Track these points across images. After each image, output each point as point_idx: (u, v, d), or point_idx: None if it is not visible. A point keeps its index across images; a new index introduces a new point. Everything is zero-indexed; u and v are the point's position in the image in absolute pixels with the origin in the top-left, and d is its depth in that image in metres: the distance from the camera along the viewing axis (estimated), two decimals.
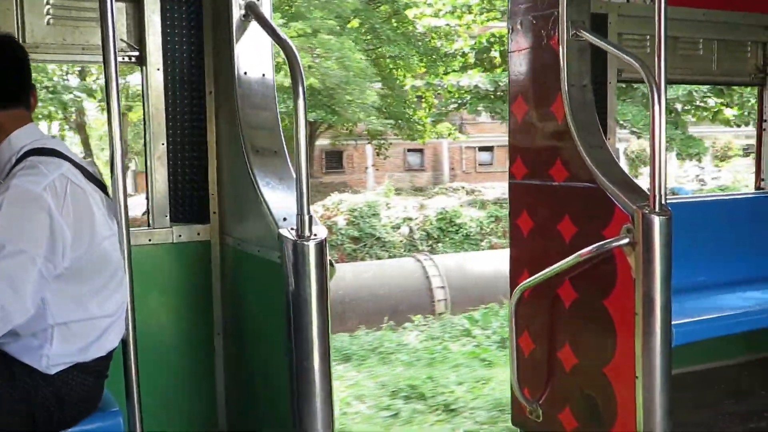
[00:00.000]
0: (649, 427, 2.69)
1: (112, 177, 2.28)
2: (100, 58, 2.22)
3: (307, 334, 2.30)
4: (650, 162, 2.66)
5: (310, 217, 2.31)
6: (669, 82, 2.94)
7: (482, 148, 28.32)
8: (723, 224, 3.90)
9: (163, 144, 2.96)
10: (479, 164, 28.46)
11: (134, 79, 14.52)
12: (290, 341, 2.32)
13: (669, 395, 2.69)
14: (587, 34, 2.98)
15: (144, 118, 2.97)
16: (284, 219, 2.43)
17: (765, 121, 4.24)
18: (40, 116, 15.36)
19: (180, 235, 3.01)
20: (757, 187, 4.33)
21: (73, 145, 19.01)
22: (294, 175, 2.31)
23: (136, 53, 2.89)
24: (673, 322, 2.74)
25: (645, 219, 2.68)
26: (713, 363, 3.97)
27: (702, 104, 14.21)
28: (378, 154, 22.77)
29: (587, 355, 3.01)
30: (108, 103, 2.20)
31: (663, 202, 2.68)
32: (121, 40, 2.85)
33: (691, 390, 3.64)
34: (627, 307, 2.75)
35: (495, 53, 15.97)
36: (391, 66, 18.12)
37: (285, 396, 2.35)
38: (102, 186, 2.33)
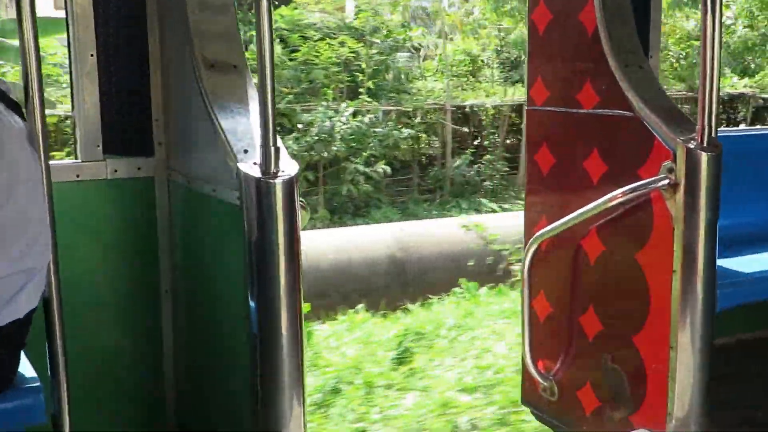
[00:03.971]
0: (683, 408, 2.77)
1: (27, 97, 2.25)
2: None
3: (273, 292, 2.36)
4: (699, 87, 2.68)
5: (277, 149, 2.34)
6: None
7: None
8: None
9: (92, 55, 2.94)
10: None
11: None
12: (252, 301, 2.37)
13: (708, 370, 2.76)
14: None
15: (67, 22, 2.94)
16: (245, 151, 2.46)
17: None
18: None
19: (116, 171, 3.02)
20: None
21: None
22: (257, 97, 2.34)
23: None
24: (717, 282, 2.80)
25: (690, 155, 2.72)
26: (762, 331, 4.05)
27: None
28: None
29: (614, 320, 3.08)
30: (18, 3, 2.17)
31: (713, 134, 2.71)
32: None
33: (736, 364, 3.71)
34: (664, 264, 2.80)
35: None
36: None
37: (246, 366, 2.41)
38: (18, 108, 2.33)
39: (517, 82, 13.94)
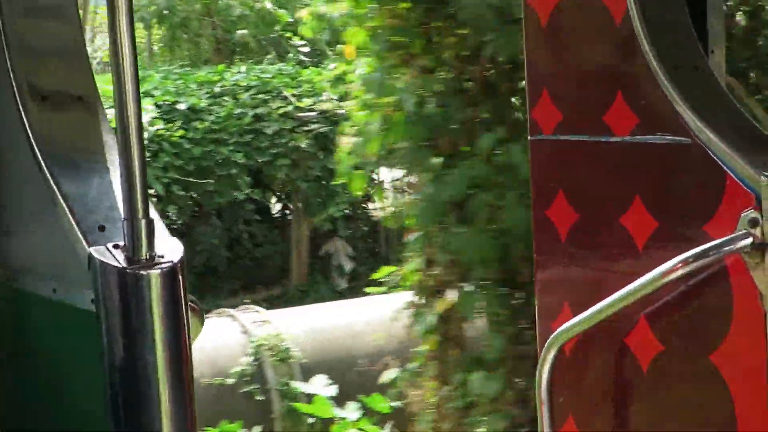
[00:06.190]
0: None
1: None
2: None
3: None
4: None
5: (150, 223, 2.40)
6: None
7: None
8: None
9: None
10: None
11: None
12: None
13: None
14: None
15: None
16: (101, 228, 2.51)
17: None
18: None
19: None
20: None
21: None
22: (116, 144, 2.44)
23: None
24: None
25: None
26: None
27: None
28: None
29: None
30: None
31: None
32: None
33: None
34: (752, 366, 2.80)
35: None
36: None
37: None
38: None
39: None
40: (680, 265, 2.85)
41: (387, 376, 8.36)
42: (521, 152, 6.05)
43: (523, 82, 3.62)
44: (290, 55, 20.18)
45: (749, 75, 7.93)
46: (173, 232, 2.69)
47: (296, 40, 20.10)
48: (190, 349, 2.46)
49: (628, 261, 3.11)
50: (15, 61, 2.69)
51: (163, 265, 2.40)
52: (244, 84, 17.25)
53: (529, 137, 3.48)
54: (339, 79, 9.46)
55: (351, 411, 8.92)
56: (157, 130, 15.64)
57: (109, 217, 2.50)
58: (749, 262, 2.78)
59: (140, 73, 2.47)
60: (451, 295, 7.36)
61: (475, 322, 7.47)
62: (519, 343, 6.89)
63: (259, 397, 10.56)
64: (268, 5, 20.50)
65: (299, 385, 10.21)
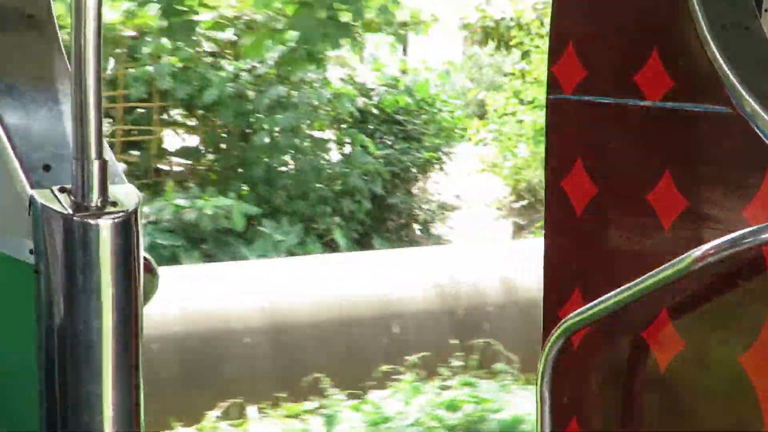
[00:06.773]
0: None
1: None
2: None
3: (93, 424, 2.31)
4: None
5: (104, 164, 2.31)
6: None
7: None
8: None
9: None
10: None
11: None
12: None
13: None
14: None
15: None
16: (46, 168, 2.44)
17: None
18: None
19: None
20: None
21: None
22: (70, 72, 2.32)
23: None
24: None
25: None
26: None
27: None
28: None
29: None
30: None
31: None
32: None
33: None
34: None
35: None
36: None
37: None
38: None
39: None
40: (711, 251, 2.76)
41: None
42: None
43: None
44: None
45: None
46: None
47: None
48: (141, 309, 2.37)
49: (651, 244, 3.04)
50: None
51: (116, 214, 2.30)
52: None
53: (547, 96, 3.41)
54: None
55: None
56: None
57: (56, 156, 2.42)
58: None
59: None
60: None
61: None
62: None
63: None
64: None
65: None
